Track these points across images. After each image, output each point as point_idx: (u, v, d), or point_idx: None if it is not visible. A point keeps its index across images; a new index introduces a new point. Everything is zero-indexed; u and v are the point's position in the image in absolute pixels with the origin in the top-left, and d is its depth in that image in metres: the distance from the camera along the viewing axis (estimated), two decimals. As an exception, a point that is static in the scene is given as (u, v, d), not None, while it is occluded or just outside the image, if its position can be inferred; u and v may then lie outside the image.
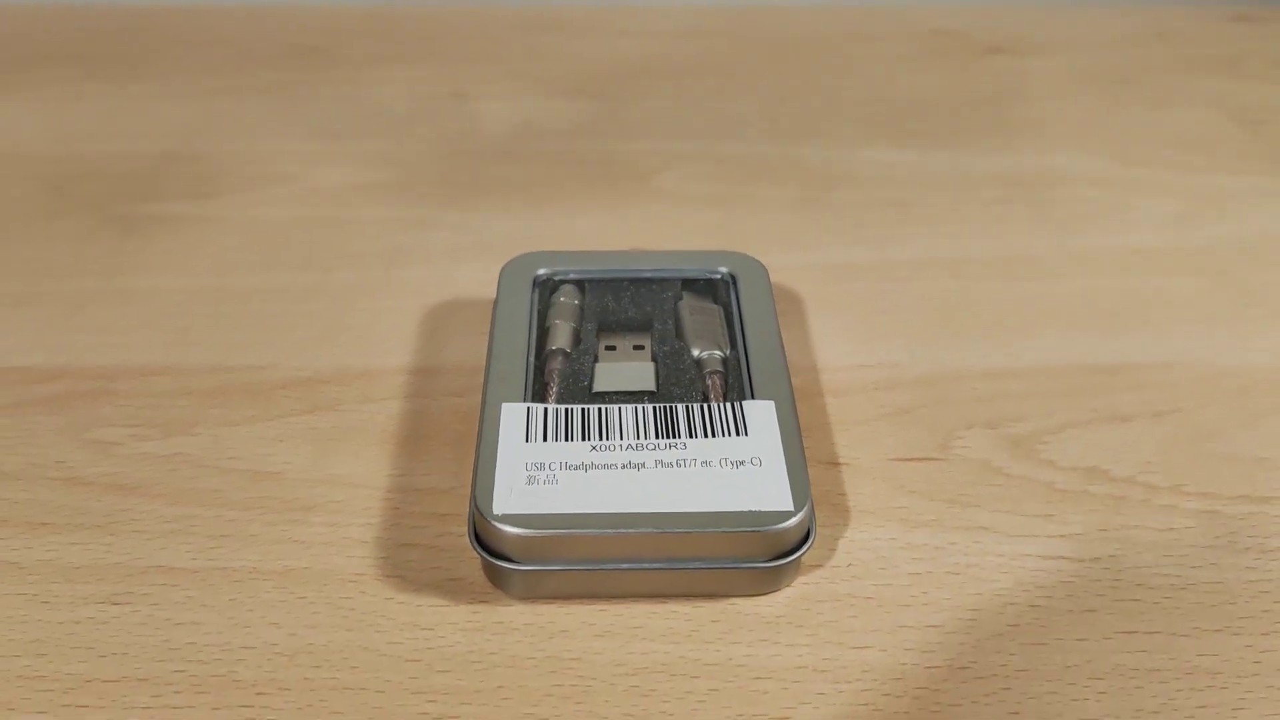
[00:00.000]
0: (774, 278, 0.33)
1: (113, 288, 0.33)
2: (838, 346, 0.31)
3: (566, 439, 0.25)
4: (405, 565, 0.25)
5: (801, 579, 0.25)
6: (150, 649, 0.23)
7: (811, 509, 0.24)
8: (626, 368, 0.27)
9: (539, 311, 0.29)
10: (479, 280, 0.33)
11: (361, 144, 0.40)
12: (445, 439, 0.28)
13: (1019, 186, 0.38)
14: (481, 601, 0.24)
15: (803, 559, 0.24)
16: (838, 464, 0.27)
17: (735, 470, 0.24)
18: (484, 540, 0.23)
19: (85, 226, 0.36)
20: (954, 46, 0.48)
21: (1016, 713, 0.22)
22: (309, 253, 0.35)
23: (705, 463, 0.24)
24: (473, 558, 0.25)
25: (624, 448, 0.25)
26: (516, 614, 0.24)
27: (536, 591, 0.24)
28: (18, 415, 0.28)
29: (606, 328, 0.29)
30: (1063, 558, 0.25)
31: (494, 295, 0.30)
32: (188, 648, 0.23)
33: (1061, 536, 0.26)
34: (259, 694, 0.22)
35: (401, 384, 0.30)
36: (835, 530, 0.26)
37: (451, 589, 0.24)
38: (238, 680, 0.22)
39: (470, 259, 0.34)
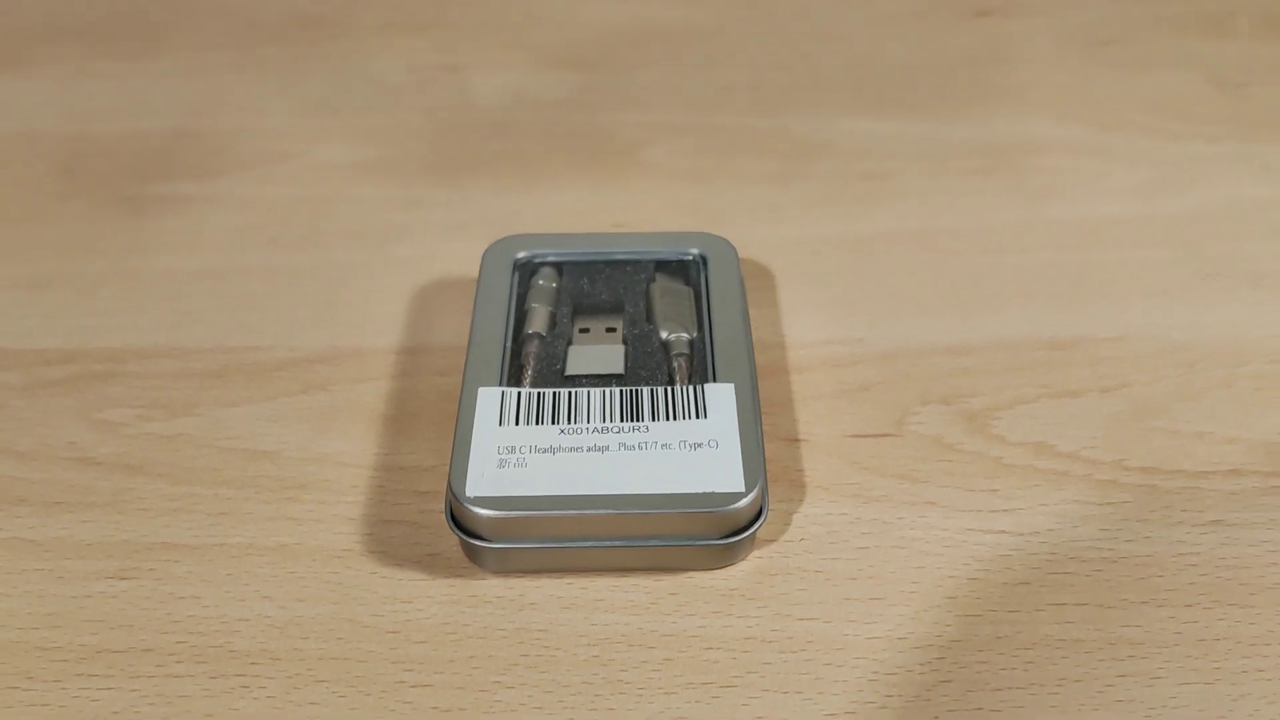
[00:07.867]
0: (748, 253, 0.34)
1: (123, 269, 0.35)
2: (806, 323, 0.32)
3: (537, 422, 0.27)
4: (388, 541, 0.27)
5: (757, 552, 0.26)
6: (155, 621, 0.25)
7: (764, 489, 0.26)
8: (598, 351, 0.29)
9: (518, 295, 0.31)
10: (464, 259, 0.35)
11: (358, 119, 0.42)
12: (430, 418, 0.30)
13: (996, 156, 0.39)
14: (458, 576, 0.26)
15: (759, 534, 0.26)
16: (797, 440, 0.29)
17: (693, 452, 0.26)
18: (459, 520, 0.25)
19: (95, 207, 0.38)
20: (944, 7, 0.48)
21: (949, 680, 0.24)
22: (307, 231, 0.36)
23: (665, 445, 0.26)
24: (451, 534, 0.27)
25: (590, 431, 0.26)
26: (490, 587, 0.26)
27: (508, 567, 0.26)
28: (33, 397, 0.30)
29: (582, 310, 0.30)
30: (1003, 532, 0.27)
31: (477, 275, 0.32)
32: (188, 620, 0.25)
33: (1004, 511, 0.27)
34: (252, 663, 0.24)
35: (390, 364, 0.31)
36: (791, 505, 0.27)
37: (430, 564, 0.26)
38: (233, 651, 0.25)
39: (458, 238, 0.36)
